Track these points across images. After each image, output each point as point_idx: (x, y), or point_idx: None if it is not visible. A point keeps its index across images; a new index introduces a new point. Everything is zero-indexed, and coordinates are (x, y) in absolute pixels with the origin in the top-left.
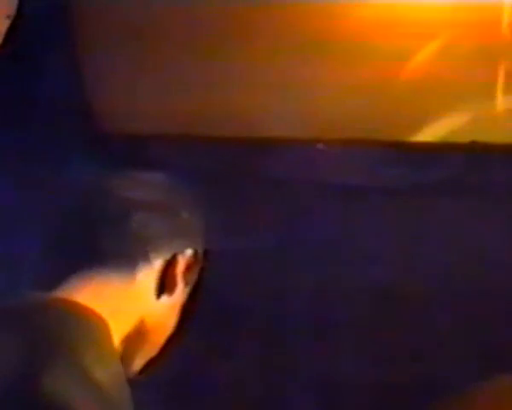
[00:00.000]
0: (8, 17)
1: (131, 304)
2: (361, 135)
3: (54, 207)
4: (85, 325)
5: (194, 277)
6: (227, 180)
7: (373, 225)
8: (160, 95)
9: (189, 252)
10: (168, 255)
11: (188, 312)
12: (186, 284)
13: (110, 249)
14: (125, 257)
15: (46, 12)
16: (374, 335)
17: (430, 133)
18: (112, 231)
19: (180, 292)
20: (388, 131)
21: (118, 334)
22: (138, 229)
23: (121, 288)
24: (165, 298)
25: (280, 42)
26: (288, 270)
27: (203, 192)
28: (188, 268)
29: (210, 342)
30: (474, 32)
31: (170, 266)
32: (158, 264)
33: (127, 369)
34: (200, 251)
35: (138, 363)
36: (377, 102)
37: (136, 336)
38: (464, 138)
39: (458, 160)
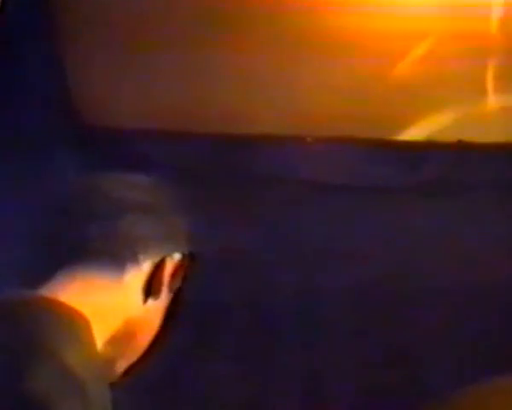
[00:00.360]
0: None
1: (117, 305)
2: (348, 133)
3: (39, 202)
4: (67, 323)
5: (179, 281)
6: (211, 177)
7: (360, 224)
8: (144, 89)
9: (177, 256)
10: (157, 258)
11: (171, 315)
12: (171, 288)
13: (99, 249)
14: (113, 257)
15: (28, 5)
16: (360, 334)
17: (418, 132)
18: (101, 231)
19: (165, 296)
20: (376, 129)
21: (102, 334)
22: (128, 230)
23: (108, 288)
24: (150, 301)
25: (266, 38)
26: (275, 268)
27: (187, 189)
28: (174, 272)
29: (194, 341)
30: (462, 30)
31: (158, 269)
32: (146, 266)
33: (110, 371)
34: (187, 254)
35: (121, 365)
36: (364, 100)
37: (121, 337)
38: (452, 137)
39: (445, 158)
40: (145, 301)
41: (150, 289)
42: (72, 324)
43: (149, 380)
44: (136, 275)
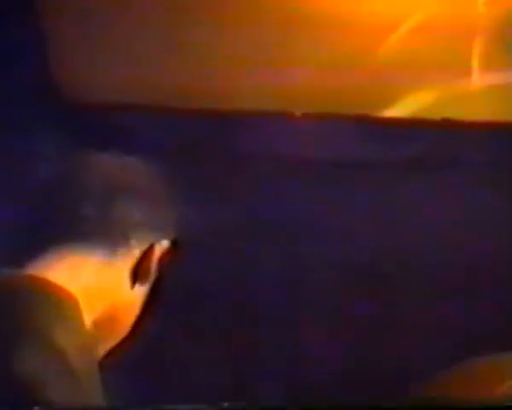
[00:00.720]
0: None
1: (106, 288)
2: (332, 109)
3: (27, 182)
4: (56, 303)
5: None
6: (196, 154)
7: (344, 201)
8: (127, 65)
9: (165, 243)
10: (146, 245)
11: (152, 298)
12: (158, 275)
13: (90, 229)
14: (105, 240)
15: None
16: (346, 310)
17: (402, 109)
18: (93, 212)
19: (150, 282)
20: (360, 105)
21: (89, 315)
22: (121, 214)
23: (97, 270)
24: (137, 288)
25: (252, 12)
26: (260, 246)
27: (172, 168)
28: (161, 259)
29: (177, 322)
30: (449, 7)
31: (147, 255)
32: (137, 252)
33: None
34: (174, 241)
35: (103, 348)
36: (349, 77)
37: (106, 321)
38: (437, 115)
39: (430, 136)
40: (132, 286)
41: (137, 275)
42: (61, 303)
43: (132, 362)
44: (127, 260)
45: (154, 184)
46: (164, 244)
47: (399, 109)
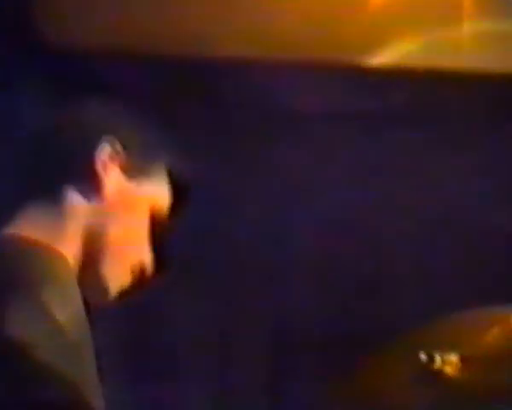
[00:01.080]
0: None
1: (69, 223)
2: (317, 57)
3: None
4: (44, 261)
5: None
6: (178, 101)
7: (324, 152)
8: (109, 13)
9: (106, 147)
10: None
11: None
12: (120, 171)
13: (39, 179)
14: (50, 182)
15: None
16: (332, 267)
17: (388, 57)
18: (36, 161)
19: (115, 185)
20: (345, 53)
21: (74, 258)
22: (54, 150)
23: (54, 212)
24: (101, 203)
25: None
26: (244, 200)
27: (151, 114)
28: (111, 158)
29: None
30: None
31: (87, 165)
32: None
33: (103, 292)
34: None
35: (111, 283)
36: (335, 23)
37: (89, 251)
38: (422, 63)
39: (415, 85)
40: (86, 201)
41: (87, 189)
42: (50, 261)
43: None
44: (73, 188)
45: (135, 129)
46: (105, 149)
47: (384, 58)
